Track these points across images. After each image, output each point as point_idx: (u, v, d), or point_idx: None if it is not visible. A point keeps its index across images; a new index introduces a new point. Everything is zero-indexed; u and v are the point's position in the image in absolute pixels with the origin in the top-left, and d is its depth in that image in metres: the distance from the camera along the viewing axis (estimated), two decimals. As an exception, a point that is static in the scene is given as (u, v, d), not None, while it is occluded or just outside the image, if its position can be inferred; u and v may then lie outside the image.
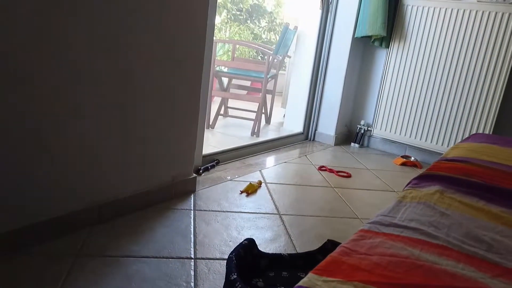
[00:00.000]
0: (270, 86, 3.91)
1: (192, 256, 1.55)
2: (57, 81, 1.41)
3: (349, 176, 2.75)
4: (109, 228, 1.67)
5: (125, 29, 1.58)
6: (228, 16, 6.09)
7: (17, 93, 1.32)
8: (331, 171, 2.78)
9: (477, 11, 2.79)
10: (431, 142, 3.11)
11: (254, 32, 6.34)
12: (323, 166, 2.84)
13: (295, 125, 3.59)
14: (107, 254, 1.49)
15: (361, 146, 3.55)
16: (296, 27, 3.77)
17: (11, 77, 1.29)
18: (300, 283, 0.68)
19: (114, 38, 1.55)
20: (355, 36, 3.23)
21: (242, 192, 2.21)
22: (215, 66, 3.69)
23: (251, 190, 2.23)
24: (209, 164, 2.50)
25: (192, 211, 1.91)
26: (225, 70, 4.02)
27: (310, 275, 0.71)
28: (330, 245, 1.56)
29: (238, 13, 6.17)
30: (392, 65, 3.20)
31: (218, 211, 1.96)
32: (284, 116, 3.98)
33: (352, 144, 3.56)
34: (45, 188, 1.48)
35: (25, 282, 1.29)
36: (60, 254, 1.45)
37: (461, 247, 0.85)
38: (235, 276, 1.25)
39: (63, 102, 1.45)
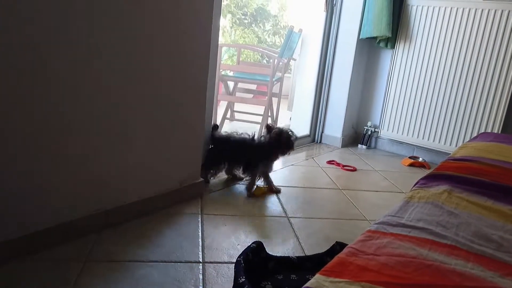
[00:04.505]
0: (276, 89, 3.91)
1: (201, 260, 1.55)
2: (61, 84, 1.43)
3: (354, 170, 2.87)
4: (116, 233, 1.67)
5: (129, 34, 1.59)
6: (233, 20, 6.11)
7: (20, 96, 1.34)
8: (338, 165, 2.95)
9: (482, 9, 2.78)
10: (439, 142, 3.09)
11: (259, 35, 6.35)
12: (332, 161, 3.02)
13: (302, 128, 3.59)
14: (115, 259, 1.49)
15: (368, 147, 3.53)
16: (300, 30, 3.77)
17: (11, 78, 1.31)
18: (307, 284, 0.68)
19: (118, 42, 1.56)
20: (360, 37, 3.22)
21: (250, 195, 2.20)
22: (221, 70, 3.70)
23: (259, 193, 2.22)
24: (217, 168, 2.49)
25: (200, 215, 1.92)
26: (231, 74, 4.03)
27: (318, 276, 0.70)
28: (338, 247, 1.55)
29: (242, 17, 6.18)
30: (398, 66, 3.18)
31: (226, 214, 1.96)
32: (290, 119, 3.98)
33: (359, 145, 3.55)
34: (53, 194, 1.49)
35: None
36: (69, 260, 1.46)
37: (470, 246, 0.84)
38: (243, 279, 1.25)
39: (70, 107, 1.46)
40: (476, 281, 0.72)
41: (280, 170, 2.72)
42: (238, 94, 4.15)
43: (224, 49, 5.04)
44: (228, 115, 3.96)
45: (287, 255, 1.54)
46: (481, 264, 0.78)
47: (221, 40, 4.08)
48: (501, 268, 0.77)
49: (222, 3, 2.21)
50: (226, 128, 3.83)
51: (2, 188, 1.35)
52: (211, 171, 2.30)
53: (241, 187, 2.33)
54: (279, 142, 2.21)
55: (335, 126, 3.47)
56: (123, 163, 1.71)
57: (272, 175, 2.56)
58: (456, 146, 2.97)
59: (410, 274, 0.72)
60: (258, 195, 2.21)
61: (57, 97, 1.41)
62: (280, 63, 3.81)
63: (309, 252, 1.68)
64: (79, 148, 1.53)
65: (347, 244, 0.85)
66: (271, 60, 3.78)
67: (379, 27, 3.04)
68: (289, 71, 5.08)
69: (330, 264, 0.75)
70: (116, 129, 1.65)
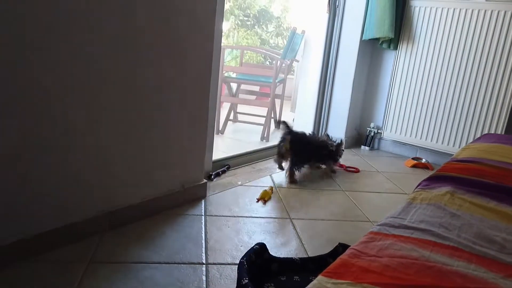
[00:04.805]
0: (278, 90, 3.91)
1: (204, 261, 1.56)
2: (68, 87, 1.44)
3: (357, 171, 2.87)
4: (120, 235, 1.68)
5: (132, 36, 1.60)
6: (236, 22, 6.12)
7: (26, 99, 1.35)
8: (341, 166, 2.94)
9: (485, 10, 2.77)
10: (442, 143, 3.08)
11: (262, 37, 6.35)
12: None
13: (305, 129, 3.56)
14: (118, 261, 1.50)
15: (372, 148, 3.53)
16: (303, 31, 3.77)
17: (21, 80, 1.32)
18: (309, 286, 0.68)
19: (121, 44, 1.57)
20: (362, 39, 3.22)
21: (258, 200, 2.19)
22: (224, 72, 3.71)
23: (267, 197, 2.22)
24: (220, 170, 2.51)
25: (203, 217, 1.92)
26: (234, 75, 4.04)
27: (320, 277, 0.71)
28: (341, 249, 1.55)
29: (245, 18, 6.19)
30: (401, 67, 3.18)
31: (229, 216, 1.96)
32: (293, 121, 3.98)
33: (362, 147, 3.54)
34: (56, 196, 1.50)
35: (40, 289, 1.31)
36: (72, 261, 1.47)
37: (472, 247, 0.85)
38: (246, 281, 1.25)
39: (73, 109, 1.47)
40: (479, 282, 0.72)
41: (283, 172, 2.72)
42: (241, 95, 4.16)
43: (227, 50, 5.04)
44: (231, 117, 3.96)
45: (290, 257, 1.54)
46: (484, 265, 0.78)
47: (224, 41, 4.09)
48: (503, 270, 0.77)
49: (225, 5, 2.21)
50: (229, 130, 3.84)
51: (5, 190, 1.36)
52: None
53: (244, 188, 2.34)
54: (338, 151, 2.80)
55: (338, 128, 3.47)
56: (126, 164, 1.72)
57: (275, 176, 2.58)
58: (459, 147, 2.96)
59: (412, 275, 0.72)
60: (267, 199, 2.21)
61: (59, 97, 1.42)
62: (283, 65, 3.81)
63: (312, 253, 1.68)
64: (82, 149, 1.54)
65: (350, 246, 0.85)
66: (274, 62, 3.79)
67: (382, 28, 3.04)
68: (292, 72, 5.08)
69: (332, 265, 0.75)
70: (119, 131, 1.65)
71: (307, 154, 2.64)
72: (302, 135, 2.66)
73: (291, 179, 2.54)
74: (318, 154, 2.69)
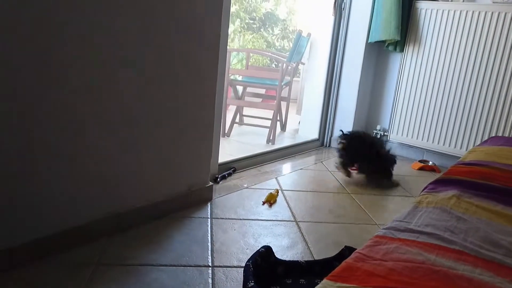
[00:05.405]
0: (284, 93, 3.92)
1: (210, 264, 1.56)
2: (76, 91, 1.45)
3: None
4: (127, 237, 1.69)
5: (138, 40, 1.61)
6: (242, 25, 6.13)
7: (36, 102, 1.36)
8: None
9: (492, 12, 2.76)
10: (449, 146, 3.07)
11: (268, 40, 6.36)
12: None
13: (311, 132, 3.59)
14: (125, 263, 1.51)
15: (378, 151, 3.51)
16: (309, 34, 3.78)
17: (31, 86, 1.33)
18: (314, 290, 0.68)
19: (128, 47, 1.58)
20: (368, 41, 3.22)
21: (264, 203, 2.19)
22: (230, 74, 3.72)
23: (272, 200, 2.22)
24: (226, 172, 2.51)
25: (209, 219, 1.93)
26: (240, 78, 4.05)
27: (325, 281, 0.71)
28: (347, 252, 1.55)
29: (251, 21, 6.21)
30: (407, 69, 3.17)
31: (235, 219, 1.97)
32: (299, 123, 3.98)
33: (369, 149, 3.53)
34: (64, 198, 1.51)
35: (47, 291, 1.32)
36: (80, 263, 1.48)
37: (479, 252, 0.84)
38: (252, 284, 1.25)
39: (81, 112, 1.49)
40: (485, 287, 0.72)
41: (289, 174, 2.72)
42: (247, 98, 4.17)
43: (233, 53, 5.05)
44: (237, 119, 3.97)
45: (296, 260, 1.54)
46: (490, 270, 0.78)
47: (229, 44, 4.09)
48: (510, 274, 0.77)
49: (231, 8, 2.22)
50: (235, 132, 3.84)
51: (11, 192, 1.37)
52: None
53: (250, 191, 2.34)
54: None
55: (344, 130, 3.46)
56: (134, 167, 1.73)
57: (281, 179, 2.58)
58: (466, 149, 2.94)
59: (418, 279, 0.72)
60: (272, 202, 2.21)
61: (65, 99, 1.44)
62: (289, 67, 3.82)
63: (318, 256, 1.68)
64: (89, 151, 1.55)
65: (356, 249, 0.85)
66: (279, 64, 3.80)
67: (388, 30, 3.04)
68: (297, 75, 5.08)
69: (337, 269, 0.75)
70: (127, 134, 1.67)
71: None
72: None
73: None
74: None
